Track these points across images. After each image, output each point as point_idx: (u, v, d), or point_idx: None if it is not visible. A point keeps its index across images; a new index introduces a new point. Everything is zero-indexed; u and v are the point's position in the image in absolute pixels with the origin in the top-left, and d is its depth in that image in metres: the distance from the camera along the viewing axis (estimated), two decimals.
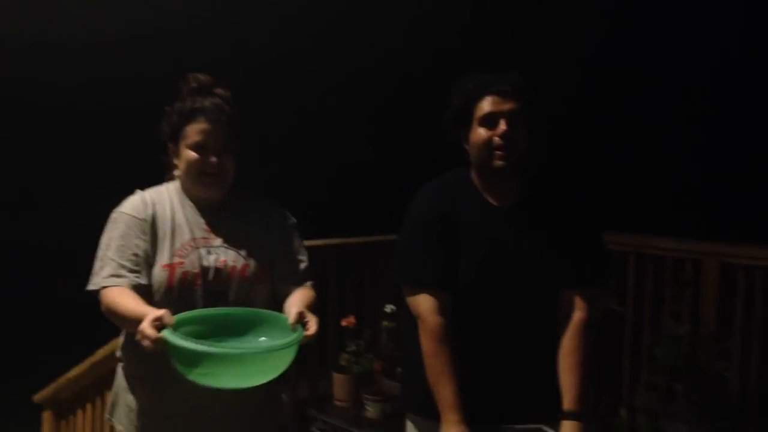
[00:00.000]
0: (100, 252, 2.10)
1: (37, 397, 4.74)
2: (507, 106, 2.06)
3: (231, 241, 2.16)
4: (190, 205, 2.18)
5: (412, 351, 2.15)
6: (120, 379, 2.26)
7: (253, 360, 1.80)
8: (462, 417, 2.00)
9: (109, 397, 2.33)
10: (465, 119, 2.11)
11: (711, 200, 6.93)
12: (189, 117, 2.11)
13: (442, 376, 2.04)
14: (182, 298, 2.07)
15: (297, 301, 2.06)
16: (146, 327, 1.81)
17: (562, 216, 2.14)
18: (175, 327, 1.85)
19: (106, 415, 2.32)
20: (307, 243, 2.30)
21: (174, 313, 2.02)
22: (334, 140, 8.22)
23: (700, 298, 3.53)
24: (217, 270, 2.11)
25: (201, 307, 2.07)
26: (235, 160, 2.16)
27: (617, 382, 3.82)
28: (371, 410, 3.27)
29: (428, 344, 2.07)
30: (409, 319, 2.18)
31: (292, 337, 1.85)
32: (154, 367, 2.01)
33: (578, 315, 2.10)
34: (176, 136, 2.14)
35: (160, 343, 1.79)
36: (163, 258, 2.08)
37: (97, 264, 2.09)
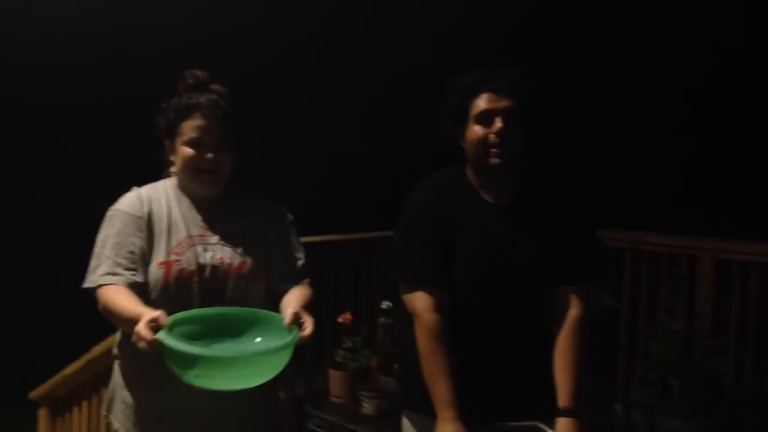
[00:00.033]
0: (96, 249, 2.10)
1: (33, 394, 4.74)
2: (503, 104, 2.06)
3: (228, 238, 2.16)
4: (186, 202, 2.17)
5: (408, 348, 2.15)
6: (117, 376, 2.26)
7: (248, 363, 1.80)
8: (458, 414, 2.01)
9: (106, 394, 2.33)
10: (461, 116, 2.11)
11: (706, 196, 6.94)
12: (185, 113, 2.11)
13: (438, 374, 2.04)
14: (178, 296, 2.07)
15: (293, 300, 2.06)
16: (142, 328, 1.81)
17: (558, 213, 2.15)
18: (172, 327, 1.85)
19: (103, 412, 2.32)
20: (303, 239, 2.30)
21: (170, 310, 2.02)
22: (331, 136, 8.22)
23: (696, 293, 3.54)
24: (214, 267, 2.11)
25: (197, 305, 2.07)
26: (232, 157, 2.16)
27: (613, 378, 3.83)
28: (368, 407, 3.27)
29: (424, 342, 2.08)
30: (404, 316, 2.18)
31: (288, 339, 1.85)
32: (150, 365, 2.01)
33: (573, 312, 2.10)
34: (172, 133, 2.14)
35: (156, 344, 1.79)
36: (159, 255, 2.08)
37: (93, 262, 2.09)
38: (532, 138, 2.12)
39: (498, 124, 2.05)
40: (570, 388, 2.06)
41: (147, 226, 2.10)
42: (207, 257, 2.11)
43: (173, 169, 2.19)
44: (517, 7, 7.52)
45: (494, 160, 2.06)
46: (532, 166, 2.19)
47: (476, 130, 2.07)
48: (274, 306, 2.11)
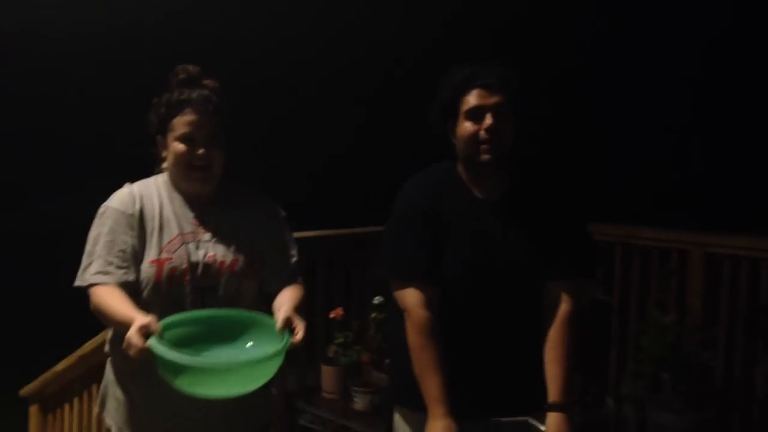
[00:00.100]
0: (88, 247, 2.09)
1: (24, 391, 4.72)
2: (493, 100, 2.06)
3: (220, 236, 2.15)
4: (178, 199, 2.16)
5: (399, 344, 2.16)
6: (109, 373, 2.25)
7: (238, 371, 1.80)
8: (448, 410, 2.01)
9: (99, 391, 2.32)
10: (451, 112, 2.11)
11: (697, 191, 6.97)
12: (177, 109, 2.10)
13: (428, 370, 2.05)
14: (170, 294, 2.06)
15: (285, 301, 2.06)
16: (133, 335, 1.81)
17: (548, 209, 2.15)
18: (164, 330, 1.85)
19: (97, 409, 2.31)
20: (295, 234, 2.30)
21: (162, 308, 2.02)
22: (323, 132, 8.21)
23: (686, 287, 3.55)
24: (206, 265, 2.10)
25: (189, 302, 2.07)
26: (223, 152, 2.15)
27: (604, 372, 3.84)
28: (359, 402, 3.27)
29: (415, 338, 2.08)
30: (396, 312, 2.18)
31: (278, 346, 1.85)
32: (143, 362, 2.01)
33: (564, 307, 2.11)
34: (164, 128, 2.13)
35: (146, 352, 1.79)
36: (151, 253, 2.08)
37: (85, 260, 2.08)
38: (522, 134, 2.12)
39: (488, 120, 2.04)
40: (560, 382, 2.06)
41: (139, 223, 2.09)
42: (199, 255, 2.10)
43: (165, 165, 2.18)
44: (509, 1, 7.53)
45: (485, 156, 2.06)
46: (523, 162, 2.19)
47: (467, 126, 2.07)
48: (267, 304, 2.10)
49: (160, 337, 1.82)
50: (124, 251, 2.06)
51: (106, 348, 2.26)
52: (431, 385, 2.04)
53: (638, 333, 3.49)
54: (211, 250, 2.12)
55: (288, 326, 1.93)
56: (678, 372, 3.23)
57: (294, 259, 2.23)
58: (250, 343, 1.99)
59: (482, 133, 2.05)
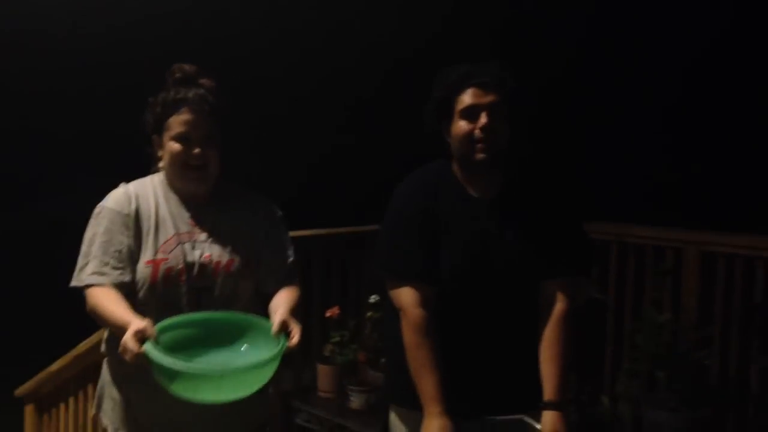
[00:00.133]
0: (84, 248, 2.09)
1: (19, 391, 4.71)
2: (488, 99, 2.06)
3: (216, 236, 2.15)
4: (174, 199, 2.16)
5: (394, 343, 2.16)
6: (105, 373, 2.25)
7: (233, 377, 1.80)
8: (444, 409, 2.01)
9: (96, 392, 2.32)
10: (446, 111, 2.11)
11: (692, 189, 6.98)
12: (172, 108, 2.10)
13: (424, 369, 2.05)
14: (166, 294, 2.06)
15: (281, 303, 2.05)
16: (128, 340, 1.81)
17: (544, 208, 2.15)
18: (161, 332, 1.85)
19: (93, 410, 2.31)
20: (291, 233, 2.30)
21: (158, 308, 2.02)
22: (318, 130, 8.20)
23: (681, 286, 3.56)
24: (202, 265, 2.10)
25: (185, 303, 2.06)
26: (219, 152, 2.14)
27: (599, 370, 3.85)
28: (355, 401, 3.27)
29: (410, 337, 2.08)
30: (391, 311, 2.18)
31: (273, 351, 1.84)
32: (138, 365, 2.01)
33: (559, 306, 2.11)
34: (160, 128, 2.12)
35: (142, 357, 1.79)
36: (147, 254, 2.07)
37: (81, 260, 2.08)
38: (517, 132, 2.13)
39: (483, 119, 2.05)
40: (555, 381, 2.07)
41: (134, 223, 2.09)
42: (195, 255, 2.10)
43: (161, 164, 2.18)
44: (507, 1, 7.54)
45: (480, 155, 2.06)
46: (518, 161, 2.19)
47: (461, 125, 2.07)
48: (263, 304, 2.10)
49: (156, 341, 1.82)
50: (120, 252, 2.06)
51: (103, 348, 2.25)
52: (427, 384, 2.04)
53: (633, 331, 3.50)
54: (207, 250, 2.12)
55: (284, 330, 1.93)
56: (673, 370, 3.23)
57: (291, 260, 2.23)
58: (244, 347, 1.98)
59: (477, 132, 2.05)
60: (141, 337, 1.81)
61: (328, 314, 3.47)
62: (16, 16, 7.43)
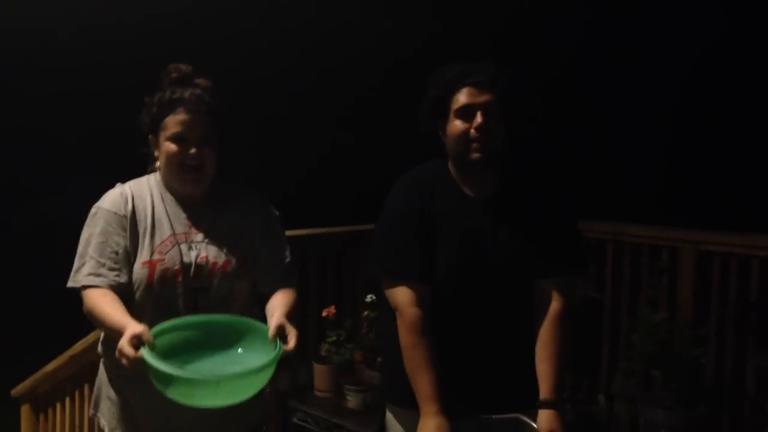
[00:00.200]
0: (80, 249, 2.09)
1: (15, 391, 4.71)
2: (483, 98, 2.06)
3: (213, 237, 2.14)
4: (170, 199, 2.16)
5: (390, 342, 2.16)
6: (102, 374, 2.24)
7: (229, 383, 1.80)
8: (440, 408, 2.01)
9: (93, 393, 2.31)
10: (441, 111, 2.11)
11: (687, 188, 6.99)
12: (169, 108, 2.09)
13: (420, 368, 2.05)
14: (163, 295, 2.06)
15: (278, 306, 2.05)
16: (125, 345, 1.80)
17: (539, 207, 2.16)
18: (157, 335, 1.85)
19: (91, 411, 2.30)
20: (287, 232, 2.29)
21: (154, 309, 2.02)
22: (315, 130, 8.20)
23: (677, 285, 3.57)
24: (198, 266, 2.09)
25: (182, 303, 2.06)
26: (216, 152, 2.13)
27: (596, 369, 3.86)
28: (352, 400, 3.28)
29: (406, 336, 2.08)
30: (387, 311, 2.19)
31: (269, 358, 1.84)
32: None
33: (555, 305, 2.12)
34: (156, 128, 2.11)
35: (138, 362, 1.79)
36: (143, 254, 2.07)
37: (77, 261, 2.08)
38: (512, 132, 2.13)
39: (479, 118, 2.05)
40: (551, 380, 2.07)
41: (131, 224, 2.09)
42: (191, 256, 2.09)
43: (158, 164, 2.17)
44: (504, 1, 7.54)
45: (475, 155, 2.06)
46: (513, 160, 2.19)
47: (457, 124, 2.08)
48: (260, 305, 2.10)
49: (152, 345, 1.82)
50: (116, 253, 2.06)
51: (99, 349, 2.25)
52: (423, 383, 2.04)
53: (629, 330, 3.51)
54: (203, 251, 2.12)
55: (280, 334, 1.93)
56: (669, 369, 3.24)
57: (288, 260, 2.22)
58: (240, 351, 1.98)
59: (472, 131, 2.05)
60: (137, 342, 1.81)
61: (324, 314, 3.47)
62: (13, 16, 7.42)
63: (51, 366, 4.23)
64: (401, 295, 2.10)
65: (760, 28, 6.59)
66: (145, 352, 1.78)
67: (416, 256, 2.10)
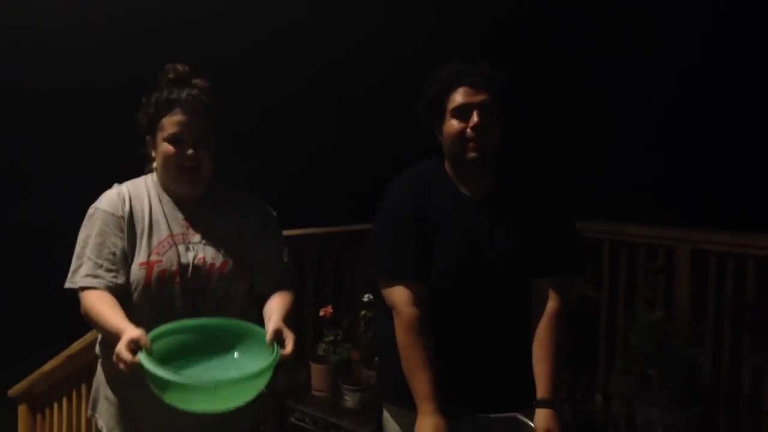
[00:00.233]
0: (78, 250, 2.08)
1: (12, 391, 4.70)
2: (479, 98, 2.06)
3: (210, 237, 2.14)
4: (168, 200, 2.15)
5: (387, 341, 2.16)
6: (100, 374, 2.24)
7: (226, 389, 1.80)
8: (437, 407, 2.01)
9: (91, 393, 2.31)
10: (438, 110, 2.11)
11: (684, 188, 7.00)
12: (166, 108, 2.08)
13: (417, 367, 2.05)
14: (160, 296, 2.06)
15: (275, 309, 2.05)
16: (122, 350, 1.80)
17: (535, 206, 2.16)
18: (155, 339, 1.85)
19: (89, 411, 2.30)
20: (284, 232, 2.29)
21: (152, 310, 2.02)
22: (310, 129, 8.20)
23: (674, 284, 3.58)
24: (196, 267, 2.09)
25: (179, 304, 2.06)
26: (213, 153, 2.13)
27: (593, 368, 3.86)
28: (349, 400, 3.28)
29: (403, 336, 2.08)
30: (384, 310, 2.19)
31: (266, 363, 1.84)
32: None
33: (551, 304, 2.12)
34: (153, 128, 2.11)
35: (135, 367, 1.79)
36: (140, 255, 2.07)
37: (75, 262, 2.07)
38: (509, 131, 2.13)
39: (475, 118, 2.05)
40: (548, 379, 2.07)
41: (128, 225, 2.08)
42: (189, 257, 2.09)
43: (154, 164, 2.17)
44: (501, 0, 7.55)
45: (471, 154, 2.06)
46: (510, 160, 2.20)
47: (453, 124, 2.08)
48: (258, 306, 2.10)
49: (150, 350, 1.82)
50: (113, 254, 2.05)
51: (97, 350, 2.25)
52: (420, 382, 2.04)
53: (626, 330, 3.51)
54: (200, 252, 2.11)
55: (277, 338, 1.93)
56: (666, 368, 3.25)
57: (285, 261, 2.22)
58: (236, 354, 1.98)
59: (469, 131, 2.06)
60: (134, 346, 1.80)
61: (321, 313, 3.47)
62: (10, 14, 7.41)
63: (48, 366, 4.23)
64: (398, 295, 2.10)
65: (756, 28, 6.61)
66: (142, 357, 1.78)
67: (413, 256, 2.10)
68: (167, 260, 2.07)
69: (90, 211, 2.11)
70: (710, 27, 6.91)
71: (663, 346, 3.30)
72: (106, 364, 2.20)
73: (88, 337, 3.65)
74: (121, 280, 2.05)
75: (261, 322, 2.07)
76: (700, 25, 6.94)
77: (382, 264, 2.15)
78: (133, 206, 2.11)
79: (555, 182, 2.24)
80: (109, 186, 2.17)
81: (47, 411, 4.52)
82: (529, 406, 2.07)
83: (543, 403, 2.06)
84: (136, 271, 2.06)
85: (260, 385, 1.85)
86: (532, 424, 2.04)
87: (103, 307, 1.98)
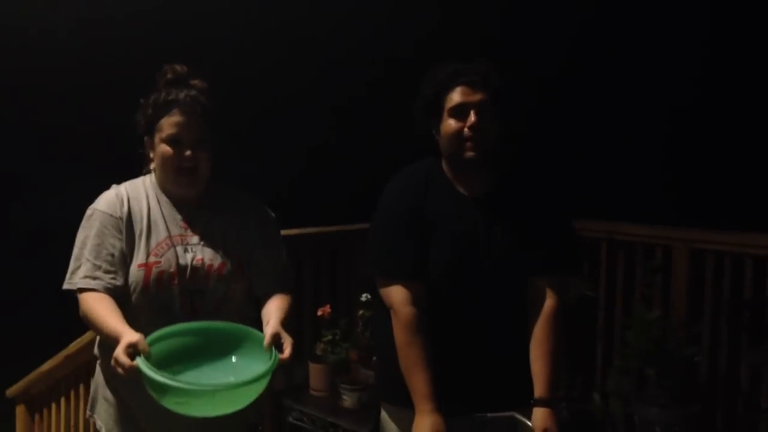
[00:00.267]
0: (76, 250, 2.08)
1: (10, 391, 4.70)
2: (477, 97, 2.06)
3: (208, 239, 2.14)
4: (166, 201, 2.15)
5: (385, 341, 2.16)
6: (98, 375, 2.24)
7: (224, 394, 1.80)
8: (435, 406, 2.02)
9: (90, 394, 2.31)
10: (435, 110, 2.11)
11: (681, 187, 7.01)
12: (164, 109, 2.08)
13: (415, 366, 2.05)
14: (159, 297, 2.05)
15: (273, 312, 2.05)
16: (120, 354, 1.80)
17: (533, 205, 2.16)
18: (154, 342, 1.85)
19: (87, 412, 2.30)
20: (282, 232, 2.29)
21: (151, 311, 2.02)
22: (308, 128, 8.19)
23: (671, 283, 3.58)
24: (194, 268, 2.09)
25: (178, 305, 2.06)
26: (211, 155, 2.13)
27: (590, 367, 3.87)
28: (348, 399, 3.28)
29: (401, 335, 2.08)
30: (382, 309, 2.19)
31: (265, 368, 1.84)
32: None
33: (549, 303, 2.12)
34: (151, 129, 2.11)
35: (134, 371, 1.79)
36: (139, 257, 2.06)
37: (73, 263, 2.07)
38: (506, 130, 2.13)
39: (472, 117, 2.05)
40: (546, 378, 2.08)
41: (126, 226, 2.08)
42: (187, 258, 2.09)
43: (152, 165, 2.17)
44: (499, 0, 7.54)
45: (469, 154, 2.07)
46: (507, 159, 2.20)
47: (450, 123, 2.08)
48: (256, 307, 2.10)
49: (149, 353, 1.82)
50: (112, 255, 2.05)
51: (96, 351, 2.24)
52: (418, 382, 2.04)
53: (624, 328, 3.52)
54: (199, 253, 2.11)
55: (276, 342, 1.93)
56: (663, 367, 3.26)
57: (283, 263, 2.22)
58: (234, 359, 1.98)
59: (466, 130, 2.06)
60: (133, 351, 1.80)
61: (319, 313, 3.47)
62: (13, 14, 7.39)
63: (46, 366, 4.23)
64: (396, 294, 2.10)
65: (751, 27, 6.62)
66: (140, 362, 1.78)
67: (410, 255, 2.10)
68: (166, 261, 2.07)
69: (88, 212, 2.11)
70: (710, 27, 6.92)
71: (660, 345, 3.30)
72: (104, 364, 2.20)
73: (86, 337, 3.65)
74: (119, 281, 2.05)
75: (259, 322, 2.07)
76: (700, 27, 6.95)
77: (379, 263, 2.16)
78: (131, 207, 2.10)
79: (552, 181, 2.24)
80: (107, 187, 2.17)
81: (45, 411, 4.52)
82: (526, 405, 2.07)
83: (540, 402, 2.06)
84: (135, 272, 2.06)
85: (258, 389, 1.85)
86: (529, 423, 2.04)
87: (101, 310, 1.97)
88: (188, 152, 2.07)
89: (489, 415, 2.07)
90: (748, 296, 3.37)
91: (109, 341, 1.90)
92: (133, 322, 1.95)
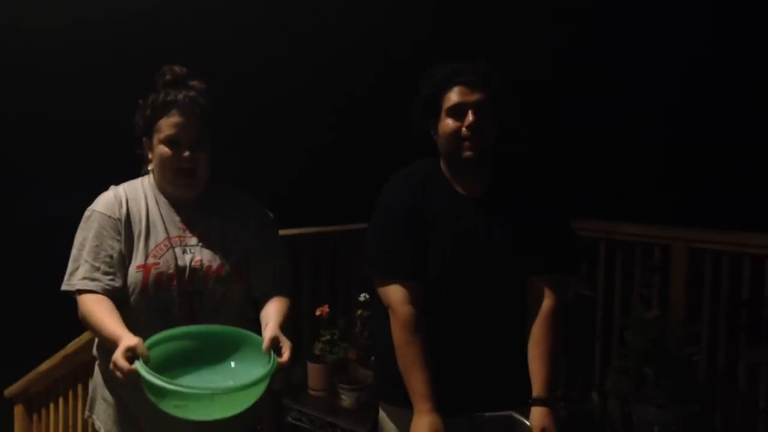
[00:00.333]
0: (75, 252, 2.08)
1: (9, 391, 4.70)
2: (474, 97, 2.07)
3: (207, 240, 2.13)
4: (164, 202, 2.14)
5: (383, 340, 2.16)
6: (97, 375, 2.23)
7: (222, 398, 1.80)
8: (433, 406, 2.02)
9: (88, 394, 2.31)
10: (433, 110, 2.11)
11: (680, 187, 7.01)
12: (162, 110, 2.07)
13: (413, 366, 2.05)
14: (158, 299, 2.05)
15: (272, 315, 2.04)
16: (119, 358, 1.80)
17: (531, 205, 2.16)
18: (153, 346, 1.85)
19: (86, 412, 2.29)
20: (281, 232, 2.29)
21: (149, 312, 2.02)
22: (307, 128, 8.19)
23: (669, 282, 3.59)
24: (193, 270, 2.08)
25: (177, 306, 2.06)
26: (209, 155, 2.12)
27: (589, 367, 3.87)
28: (346, 399, 3.28)
29: (399, 334, 2.09)
30: (380, 309, 2.19)
31: (263, 372, 1.84)
32: None
33: (547, 303, 2.12)
34: (150, 130, 2.10)
35: (132, 375, 1.79)
36: (137, 258, 2.06)
37: (71, 264, 2.07)
38: (504, 130, 2.14)
39: (470, 117, 2.05)
40: (544, 377, 2.08)
41: (125, 227, 2.07)
42: (186, 259, 2.09)
43: (151, 166, 2.16)
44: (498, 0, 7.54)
45: (467, 153, 2.07)
46: (506, 158, 2.20)
47: (448, 123, 2.08)
48: (254, 308, 2.10)
49: (147, 358, 1.82)
50: (110, 257, 2.05)
51: (94, 352, 2.24)
52: (416, 381, 2.04)
53: (622, 328, 3.52)
54: (197, 254, 2.11)
55: (274, 346, 1.93)
56: (661, 367, 3.26)
57: (281, 264, 2.22)
58: (233, 363, 1.98)
59: (464, 130, 2.06)
60: (131, 355, 1.80)
61: (318, 313, 3.47)
62: (12, 14, 7.39)
63: (44, 366, 4.23)
64: (394, 294, 2.10)
65: (751, 27, 6.62)
66: (139, 366, 1.78)
67: (408, 255, 2.10)
68: (164, 263, 2.06)
69: (86, 213, 2.11)
70: (710, 27, 6.93)
71: (659, 345, 3.31)
72: (103, 365, 2.19)
73: (84, 338, 3.65)
74: (118, 283, 2.04)
75: (258, 323, 2.07)
76: (698, 26, 6.95)
77: (377, 263, 2.16)
78: (130, 208, 2.10)
79: (550, 181, 2.24)
80: (106, 187, 2.16)
81: (44, 411, 4.52)
82: (524, 404, 2.07)
83: (539, 402, 2.06)
84: (134, 273, 2.05)
85: (257, 393, 1.85)
86: (527, 423, 2.04)
87: (100, 312, 1.97)
88: (187, 153, 2.06)
89: (487, 414, 2.07)
90: (746, 296, 3.38)
91: (108, 344, 1.89)
92: (131, 323, 1.95)
